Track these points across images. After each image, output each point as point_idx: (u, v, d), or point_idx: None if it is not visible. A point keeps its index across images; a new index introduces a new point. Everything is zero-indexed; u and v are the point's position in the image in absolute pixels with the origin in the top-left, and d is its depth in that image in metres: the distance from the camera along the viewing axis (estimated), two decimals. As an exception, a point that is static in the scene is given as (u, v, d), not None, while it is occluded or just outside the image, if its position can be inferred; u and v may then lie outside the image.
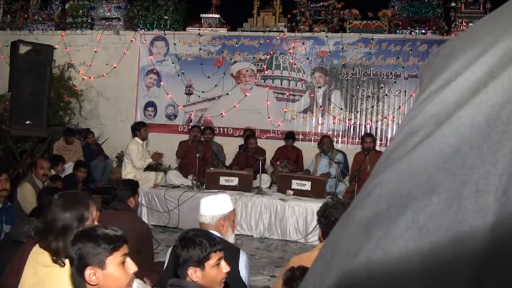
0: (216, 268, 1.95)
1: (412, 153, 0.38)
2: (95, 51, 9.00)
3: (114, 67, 8.95)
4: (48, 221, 2.01)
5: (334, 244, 0.41)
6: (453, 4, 8.13)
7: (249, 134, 7.51)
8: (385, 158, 0.40)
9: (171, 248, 2.57)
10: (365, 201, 0.39)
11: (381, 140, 7.94)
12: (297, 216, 5.68)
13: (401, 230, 0.36)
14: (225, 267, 1.98)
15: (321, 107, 8.33)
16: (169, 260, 2.48)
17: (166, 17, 8.93)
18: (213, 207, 2.57)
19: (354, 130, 8.22)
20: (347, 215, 0.42)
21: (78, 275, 1.63)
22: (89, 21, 9.24)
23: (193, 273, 1.90)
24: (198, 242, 1.92)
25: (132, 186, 3.63)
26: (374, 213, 0.38)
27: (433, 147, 0.37)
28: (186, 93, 8.82)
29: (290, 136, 7.46)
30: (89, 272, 1.59)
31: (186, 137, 7.26)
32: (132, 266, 1.67)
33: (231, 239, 2.56)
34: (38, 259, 2.02)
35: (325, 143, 6.90)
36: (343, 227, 0.42)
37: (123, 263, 1.65)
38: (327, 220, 2.39)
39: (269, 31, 8.48)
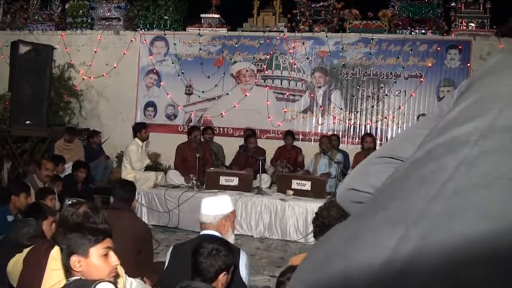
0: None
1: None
2: (95, 51, 9.00)
3: (114, 67, 8.94)
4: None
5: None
6: (453, 4, 8.12)
7: (250, 134, 7.49)
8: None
9: (171, 248, 2.57)
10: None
11: (381, 140, 7.93)
12: (297, 216, 5.68)
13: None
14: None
15: (321, 107, 8.33)
16: (170, 260, 2.48)
17: (166, 17, 8.93)
18: (215, 206, 2.56)
19: (354, 130, 8.22)
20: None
21: (65, 261, 1.82)
22: (89, 21, 9.23)
23: (223, 277, 2.03)
24: (224, 248, 2.07)
25: (134, 187, 3.66)
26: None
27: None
28: (186, 93, 8.81)
29: (289, 134, 7.41)
30: (74, 260, 1.78)
31: (185, 137, 7.16)
32: (114, 259, 1.85)
33: (231, 239, 2.55)
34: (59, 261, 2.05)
35: (323, 143, 6.86)
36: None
37: (106, 255, 1.83)
38: (318, 221, 2.41)
39: (269, 31, 8.47)
